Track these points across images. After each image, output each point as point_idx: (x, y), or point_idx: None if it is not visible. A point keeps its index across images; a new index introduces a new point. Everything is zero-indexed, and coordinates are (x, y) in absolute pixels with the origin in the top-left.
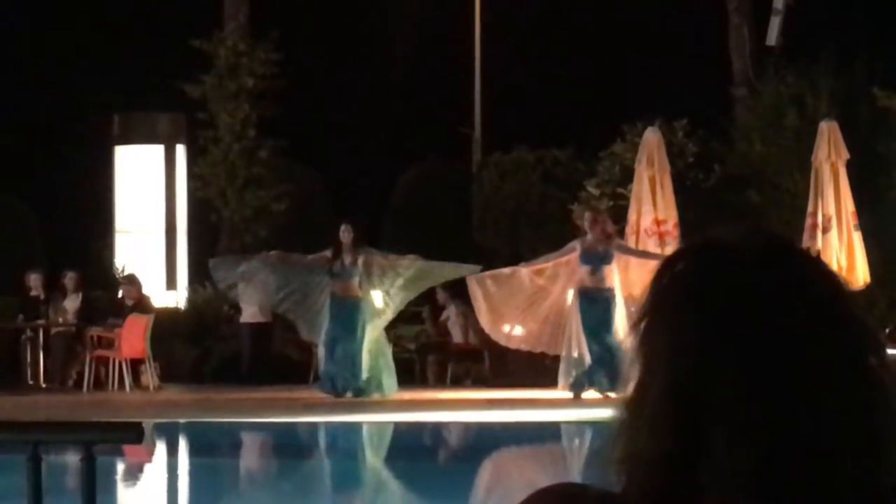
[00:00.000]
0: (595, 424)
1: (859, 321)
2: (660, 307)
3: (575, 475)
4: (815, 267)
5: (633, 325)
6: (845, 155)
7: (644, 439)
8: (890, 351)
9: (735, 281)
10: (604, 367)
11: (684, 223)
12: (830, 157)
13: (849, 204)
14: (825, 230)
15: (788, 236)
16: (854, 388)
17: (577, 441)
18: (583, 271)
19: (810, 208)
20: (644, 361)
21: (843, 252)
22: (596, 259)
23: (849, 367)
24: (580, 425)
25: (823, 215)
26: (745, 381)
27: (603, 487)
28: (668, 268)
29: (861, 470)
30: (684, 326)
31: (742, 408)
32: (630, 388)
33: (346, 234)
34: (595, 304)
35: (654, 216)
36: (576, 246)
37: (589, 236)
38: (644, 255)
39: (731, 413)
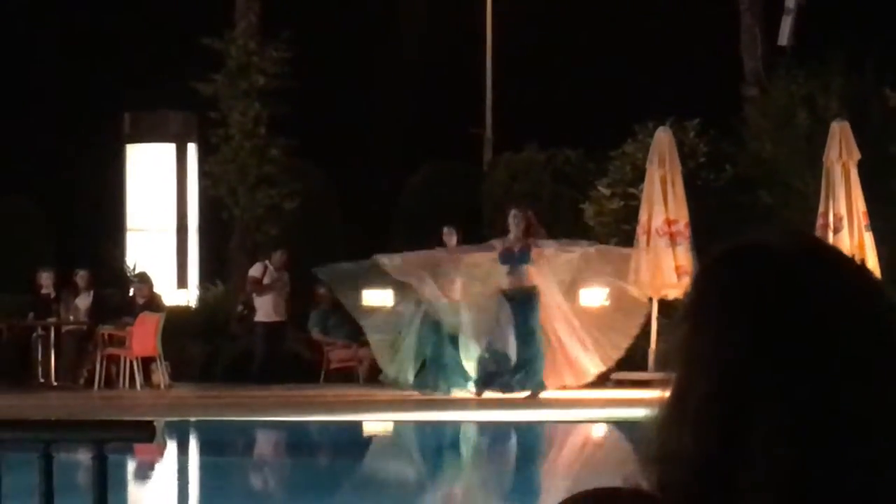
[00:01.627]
0: (588, 424)
1: None
2: (703, 310)
3: (569, 473)
4: (860, 274)
5: (673, 326)
6: (856, 155)
7: (686, 441)
8: None
9: (783, 284)
10: (523, 370)
11: (695, 223)
12: (842, 157)
13: (860, 204)
14: (836, 230)
15: (829, 242)
16: None
17: (571, 440)
18: (502, 271)
19: (821, 208)
20: (685, 363)
21: (855, 252)
22: (514, 259)
23: (893, 375)
24: (572, 425)
25: (835, 215)
26: (789, 388)
27: (632, 487)
28: (710, 270)
29: None
30: (729, 331)
31: (785, 413)
32: (669, 387)
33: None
34: (518, 304)
35: (665, 216)
36: (495, 245)
37: (511, 235)
38: (565, 245)
39: (774, 419)
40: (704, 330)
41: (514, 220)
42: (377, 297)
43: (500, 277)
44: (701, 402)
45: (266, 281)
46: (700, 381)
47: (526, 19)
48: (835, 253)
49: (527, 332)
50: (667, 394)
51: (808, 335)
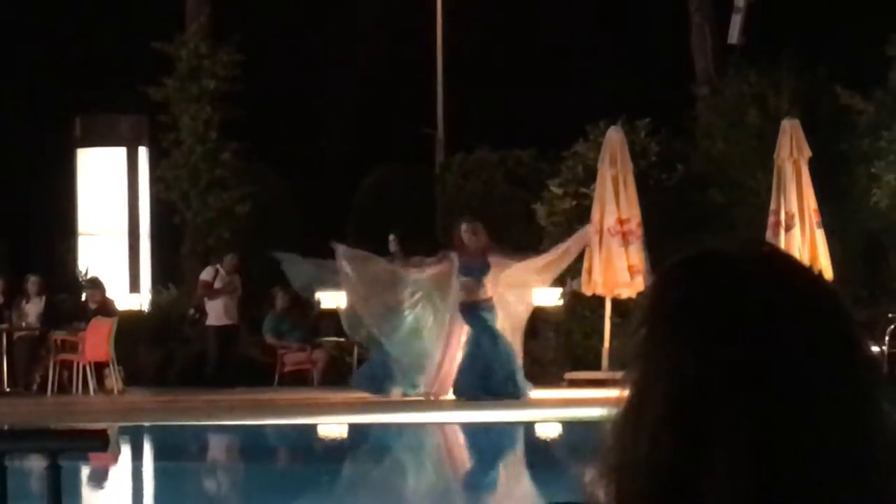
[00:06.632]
0: (562, 424)
1: (856, 337)
2: (660, 316)
3: (543, 475)
4: (816, 282)
5: (630, 331)
6: (807, 153)
7: (644, 448)
8: None
9: (737, 292)
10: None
11: (648, 222)
12: (793, 155)
13: (811, 202)
14: (788, 228)
15: (784, 249)
16: (852, 403)
17: (545, 441)
18: (461, 283)
19: (773, 206)
20: (642, 370)
21: (806, 249)
22: (476, 270)
23: (849, 381)
24: (548, 425)
25: (786, 213)
26: (747, 394)
27: (587, 502)
28: (667, 277)
29: (860, 487)
30: (686, 336)
31: (745, 420)
32: (626, 396)
33: None
34: (477, 316)
35: (617, 216)
36: (452, 257)
37: (470, 248)
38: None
39: (735, 425)
40: (661, 338)
41: (469, 232)
42: (332, 299)
43: (457, 289)
44: (659, 408)
45: (217, 284)
46: (657, 386)
47: (476, 19)
48: (791, 262)
49: (488, 342)
50: (623, 397)
51: (765, 344)
